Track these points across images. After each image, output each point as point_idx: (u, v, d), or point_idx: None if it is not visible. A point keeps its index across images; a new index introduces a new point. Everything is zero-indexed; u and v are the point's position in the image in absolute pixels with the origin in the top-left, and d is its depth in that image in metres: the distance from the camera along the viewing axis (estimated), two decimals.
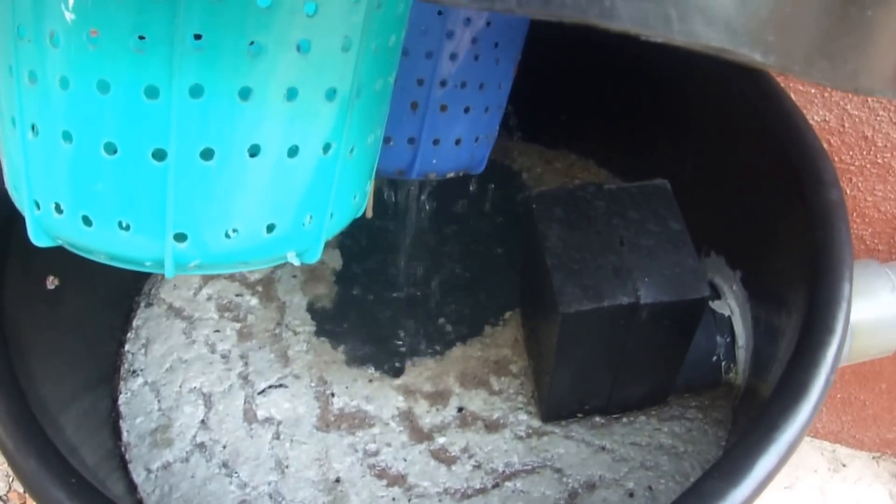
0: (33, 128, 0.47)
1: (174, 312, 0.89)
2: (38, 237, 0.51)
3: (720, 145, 0.79)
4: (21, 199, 0.51)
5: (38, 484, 0.55)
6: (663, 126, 0.88)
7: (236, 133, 0.47)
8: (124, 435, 0.81)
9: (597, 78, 0.91)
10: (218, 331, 0.89)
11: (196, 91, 0.45)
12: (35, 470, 0.55)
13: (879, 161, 1.02)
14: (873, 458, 1.54)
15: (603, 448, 0.81)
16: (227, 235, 0.49)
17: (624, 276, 0.68)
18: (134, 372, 0.86)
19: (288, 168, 0.50)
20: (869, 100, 0.96)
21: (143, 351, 0.87)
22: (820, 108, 0.98)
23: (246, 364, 0.87)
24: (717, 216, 0.86)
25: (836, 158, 1.03)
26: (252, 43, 0.43)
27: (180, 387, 0.85)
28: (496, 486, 0.78)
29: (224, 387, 0.85)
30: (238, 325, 0.88)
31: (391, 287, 0.95)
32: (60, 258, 0.61)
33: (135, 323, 0.89)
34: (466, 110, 0.71)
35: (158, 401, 0.84)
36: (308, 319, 0.91)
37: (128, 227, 0.48)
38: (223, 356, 0.87)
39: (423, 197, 0.95)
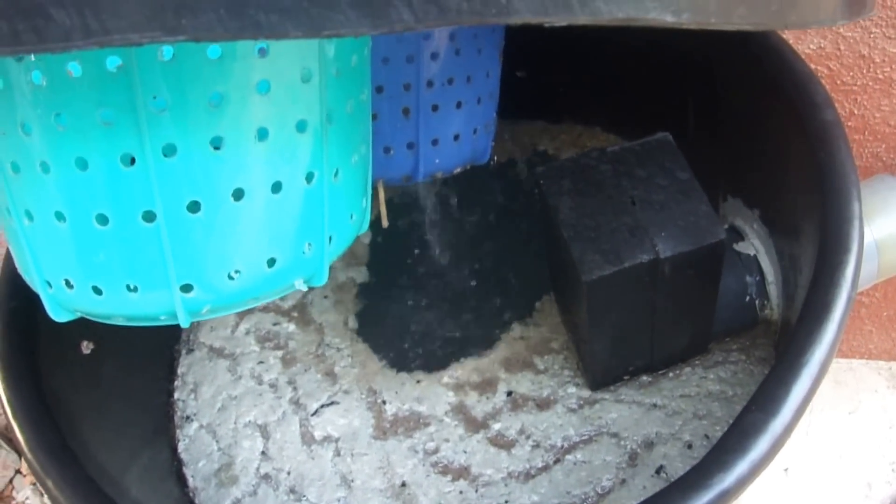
0: (28, 214, 0.50)
1: (216, 353, 0.91)
2: (57, 313, 0.54)
3: (716, 90, 0.80)
4: (33, 281, 0.53)
5: None
6: (658, 81, 0.89)
7: (217, 181, 0.49)
8: (189, 481, 0.83)
9: (585, 45, 0.92)
10: (262, 362, 0.91)
11: (169, 150, 0.46)
12: None
13: (881, 77, 1.03)
14: None
15: (654, 405, 0.82)
16: (230, 277, 0.51)
17: (640, 234, 0.69)
18: (188, 418, 0.88)
19: (275, 204, 0.51)
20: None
21: (192, 396, 0.89)
22: (815, 37, 0.99)
23: (295, 389, 0.89)
24: (727, 160, 0.87)
25: (838, 81, 1.05)
26: (212, 94, 0.45)
27: (235, 423, 0.87)
28: (557, 461, 0.80)
29: (277, 415, 0.87)
30: (280, 353, 0.90)
31: (420, 290, 0.96)
32: (90, 322, 0.63)
33: (179, 370, 0.91)
34: (458, 105, 0.72)
35: (216, 441, 0.86)
36: (347, 335, 0.92)
37: (136, 289, 0.50)
38: (271, 385, 0.89)
39: (437, 195, 0.97)
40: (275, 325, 0.91)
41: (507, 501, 0.78)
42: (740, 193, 0.86)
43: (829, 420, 1.51)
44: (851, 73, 1.04)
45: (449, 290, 0.97)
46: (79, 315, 0.54)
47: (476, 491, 0.79)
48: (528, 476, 0.79)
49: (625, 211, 0.71)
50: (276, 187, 0.51)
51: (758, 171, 0.82)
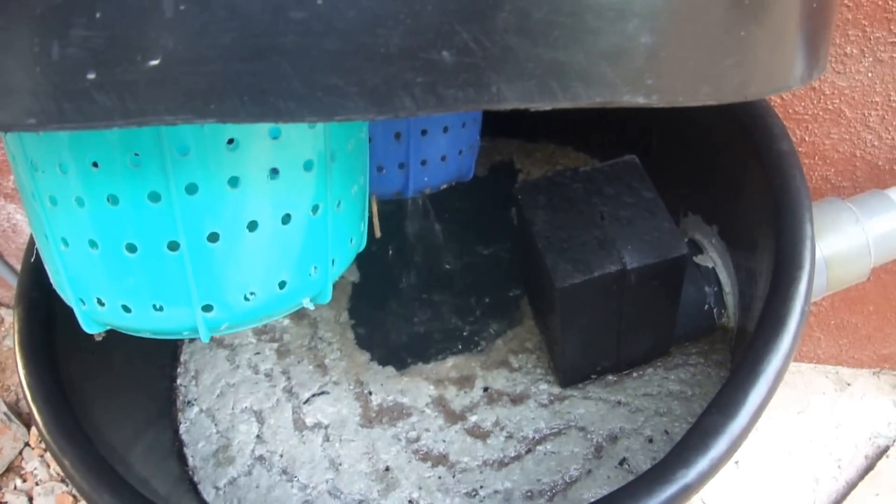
0: (64, 241, 0.52)
1: (216, 343, 0.94)
2: (89, 326, 0.57)
3: (678, 118, 0.84)
4: (68, 298, 0.56)
5: None
6: (626, 109, 0.93)
7: (234, 215, 0.52)
8: (189, 460, 0.86)
9: None
10: (258, 353, 0.94)
11: (191, 189, 0.49)
12: (105, 498, 0.60)
13: (830, 107, 1.07)
14: (873, 373, 1.60)
15: (619, 402, 0.86)
16: (246, 298, 0.55)
17: (608, 246, 0.74)
18: (189, 402, 0.91)
19: (285, 234, 0.54)
20: None
21: (193, 382, 0.93)
22: None
23: (288, 378, 0.92)
24: (688, 180, 0.90)
25: (791, 110, 1.09)
26: (230, 140, 0.49)
27: (233, 409, 0.90)
28: (529, 451, 0.83)
29: (272, 402, 0.90)
30: (276, 345, 0.93)
31: (407, 292, 0.99)
32: None
33: (182, 358, 0.95)
34: (445, 130, 0.77)
35: (215, 424, 0.89)
36: (338, 331, 0.96)
37: (161, 308, 0.53)
38: (267, 375, 0.93)
39: (424, 208, 1.00)
40: None
41: (481, 487, 0.81)
42: (700, 211, 0.90)
43: (779, 419, 1.56)
44: (803, 104, 1.07)
45: (433, 292, 1.00)
46: (108, 328, 0.58)
47: (453, 476, 0.82)
48: (501, 464, 0.83)
49: (595, 225, 0.75)
50: (286, 219, 0.54)
51: (716, 192, 0.86)
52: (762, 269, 0.71)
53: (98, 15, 0.28)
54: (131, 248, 0.51)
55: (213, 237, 0.52)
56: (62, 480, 1.66)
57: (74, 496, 1.64)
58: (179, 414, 0.91)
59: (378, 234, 0.67)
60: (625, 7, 0.32)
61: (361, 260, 0.97)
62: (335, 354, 0.94)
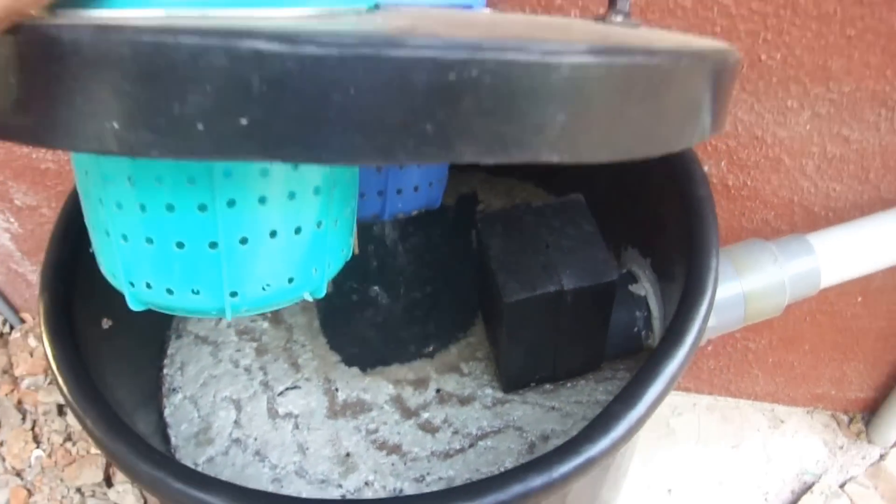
0: (124, 237, 0.61)
1: (201, 340, 1.00)
2: (135, 304, 0.66)
3: (623, 165, 0.91)
4: (119, 281, 0.65)
5: (131, 462, 0.65)
6: None
7: (260, 225, 0.61)
8: (172, 440, 0.92)
9: None
10: (239, 350, 1.00)
11: (231, 203, 0.58)
12: (125, 451, 0.66)
13: (771, 155, 1.13)
14: (807, 412, 1.64)
15: (553, 408, 0.92)
16: (263, 289, 0.64)
17: (550, 270, 0.82)
18: (174, 389, 0.97)
19: (296, 242, 0.64)
20: (755, 105, 1.06)
21: (179, 372, 0.98)
22: None
23: (265, 374, 0.98)
24: (629, 218, 0.98)
25: (735, 157, 1.14)
26: (262, 169, 0.59)
27: (214, 397, 0.96)
28: (471, 445, 0.90)
29: (249, 393, 0.96)
30: (255, 344, 1.00)
31: (375, 303, 1.04)
32: (111, 306, 0.77)
33: (169, 351, 1.00)
34: (419, 164, 0.84)
35: (197, 410, 0.95)
36: (311, 334, 1.02)
37: (198, 292, 0.62)
38: (246, 369, 0.99)
39: (396, 230, 1.07)
40: (252, 322, 1.01)
41: (428, 474, 0.87)
42: (637, 245, 0.97)
43: (713, 451, 1.58)
44: (746, 151, 1.13)
45: (398, 304, 1.04)
46: (150, 307, 0.66)
47: (405, 464, 0.88)
48: (447, 455, 0.89)
49: (540, 252, 0.84)
50: (298, 230, 0.63)
51: (649, 229, 0.93)
52: (677, 297, 0.76)
53: (208, 88, 0.39)
54: (180, 245, 0.60)
55: (244, 241, 0.61)
56: (17, 474, 1.67)
57: (29, 490, 1.64)
58: (165, 399, 0.96)
59: (356, 251, 0.76)
60: (547, 98, 0.43)
61: (336, 276, 1.03)
62: (307, 355, 1.00)
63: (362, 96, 0.40)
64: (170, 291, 0.63)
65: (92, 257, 0.69)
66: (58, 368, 0.73)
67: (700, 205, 0.80)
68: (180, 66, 0.39)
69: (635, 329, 0.93)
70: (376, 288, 1.07)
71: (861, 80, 1.02)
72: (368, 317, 1.04)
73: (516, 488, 0.60)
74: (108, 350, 0.84)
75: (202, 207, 0.59)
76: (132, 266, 0.63)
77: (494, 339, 0.95)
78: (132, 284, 0.64)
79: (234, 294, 0.63)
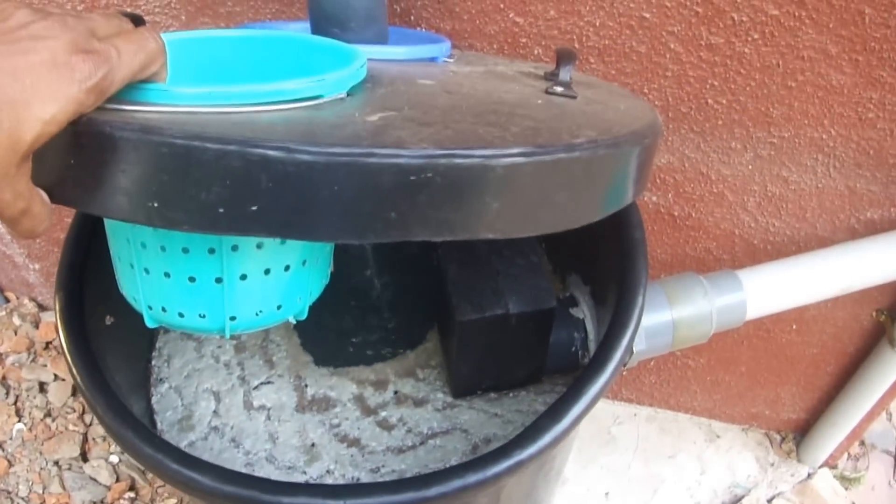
0: (146, 270, 0.71)
1: (186, 336, 1.07)
2: (151, 323, 0.75)
3: None
4: (138, 305, 0.74)
5: (136, 445, 0.72)
6: None
7: (257, 265, 0.71)
8: (158, 424, 0.98)
9: None
10: (220, 346, 1.07)
11: (234, 248, 0.68)
12: (129, 436, 0.72)
13: (715, 191, 1.20)
14: (742, 429, 1.72)
15: (496, 414, 0.99)
16: (256, 314, 0.74)
17: (499, 295, 0.90)
18: (161, 380, 1.03)
19: (285, 277, 0.73)
20: (701, 144, 1.13)
21: (166, 364, 1.05)
22: (664, 154, 1.16)
23: (242, 369, 1.05)
24: (574, 249, 1.04)
25: (681, 189, 1.21)
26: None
27: (196, 388, 1.02)
28: (422, 443, 0.96)
29: (228, 386, 1.03)
30: (234, 342, 1.07)
31: (345, 311, 1.12)
32: (112, 305, 0.84)
33: (158, 345, 1.07)
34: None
35: (181, 399, 1.01)
36: (285, 336, 1.09)
37: (204, 316, 0.72)
38: (226, 364, 1.05)
39: (368, 254, 1.14)
40: None
41: (383, 466, 0.93)
42: (580, 273, 1.04)
43: (650, 460, 1.66)
44: (692, 185, 1.20)
45: (365, 315, 1.12)
46: (163, 325, 0.75)
47: (363, 456, 0.94)
48: (400, 451, 0.95)
49: (491, 278, 0.92)
50: (287, 268, 0.73)
51: (590, 260, 1.00)
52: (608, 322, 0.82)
53: (227, 182, 0.51)
54: (192, 279, 0.70)
55: (244, 277, 0.71)
56: None
57: (9, 461, 1.69)
58: (153, 388, 1.03)
59: (331, 269, 0.85)
60: (485, 191, 0.55)
61: None
62: (282, 354, 1.07)
63: (343, 192, 0.52)
64: (181, 315, 0.73)
65: (98, 261, 0.78)
66: (72, 359, 0.81)
67: (634, 246, 0.87)
68: (206, 166, 0.51)
69: (573, 348, 1.01)
70: (347, 301, 1.13)
71: (800, 128, 1.09)
72: (338, 324, 1.11)
73: (456, 483, 0.67)
74: (109, 343, 0.90)
75: (211, 251, 0.68)
76: (151, 293, 0.73)
77: (447, 350, 1.02)
78: (150, 308, 0.74)
79: (233, 318, 0.73)
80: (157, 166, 0.52)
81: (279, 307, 0.75)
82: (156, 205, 0.53)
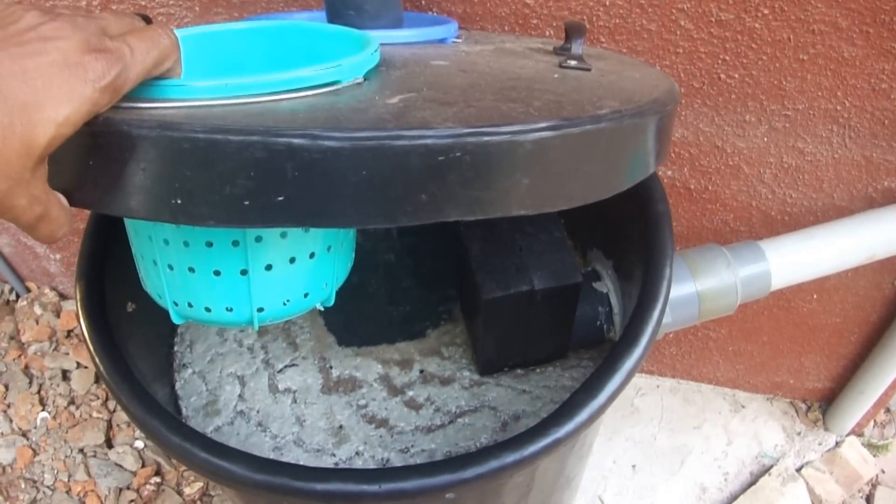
0: (170, 266, 0.70)
1: None
2: (177, 319, 0.75)
3: None
4: (164, 301, 0.74)
5: (156, 432, 0.72)
6: None
7: (282, 254, 0.70)
8: (183, 410, 0.98)
9: None
10: (243, 330, 1.07)
11: (258, 239, 0.68)
12: (155, 424, 0.72)
13: (730, 163, 1.20)
14: (767, 399, 1.72)
15: (524, 391, 0.98)
16: (283, 304, 0.73)
17: (523, 271, 0.90)
18: (184, 365, 1.03)
19: (310, 264, 0.73)
20: (715, 118, 1.13)
21: (189, 350, 1.05)
22: (679, 128, 1.16)
23: (266, 352, 1.05)
24: (596, 224, 1.04)
25: (697, 163, 1.21)
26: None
27: (220, 373, 1.02)
28: (451, 422, 0.95)
29: (252, 369, 1.02)
30: None
31: (369, 292, 1.12)
32: (132, 293, 0.83)
33: (180, 330, 1.07)
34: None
35: (205, 384, 1.01)
36: (308, 317, 1.08)
37: (231, 309, 0.71)
38: (249, 348, 1.05)
39: (393, 235, 1.13)
40: None
41: (412, 446, 0.93)
42: (602, 248, 1.04)
43: (676, 431, 1.65)
44: (707, 159, 1.20)
45: (389, 295, 1.12)
46: (189, 321, 0.74)
47: (391, 437, 0.94)
48: (429, 430, 0.95)
49: (515, 255, 0.91)
50: (312, 255, 0.72)
51: (613, 235, 1.00)
52: (635, 296, 0.83)
53: (252, 174, 0.50)
54: (217, 273, 0.69)
55: (269, 267, 0.70)
56: (23, 435, 1.73)
57: (34, 449, 1.70)
58: (176, 374, 1.02)
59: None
60: (514, 168, 0.55)
61: None
62: (305, 335, 1.07)
63: (371, 176, 0.52)
64: (208, 309, 0.72)
65: (118, 249, 0.77)
66: (94, 348, 0.81)
67: (659, 219, 0.86)
68: (229, 158, 0.50)
69: (598, 322, 1.00)
70: (370, 281, 1.13)
71: (814, 100, 1.09)
72: (362, 305, 1.11)
73: (493, 463, 0.67)
74: (131, 330, 0.90)
75: (235, 243, 0.68)
76: (176, 290, 0.73)
77: (472, 328, 1.02)
78: (176, 304, 0.74)
79: (260, 309, 0.72)
80: (178, 162, 0.51)
81: (306, 295, 0.75)
82: (179, 202, 0.52)
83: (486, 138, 0.53)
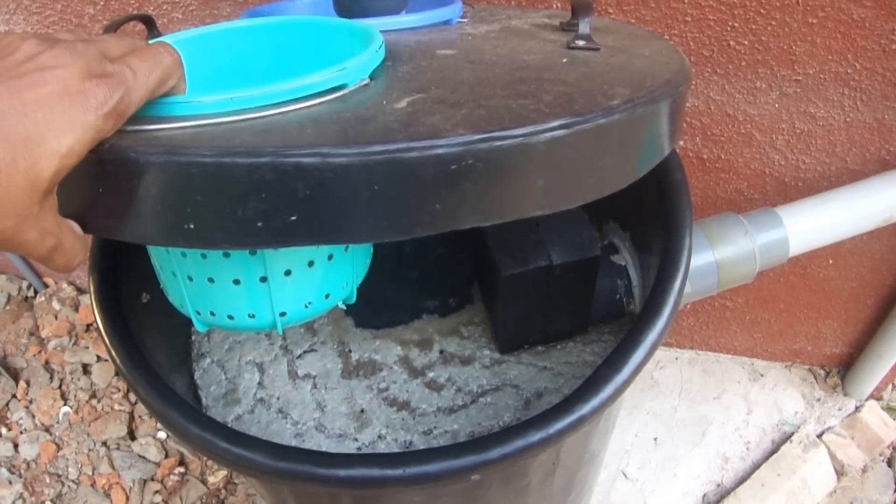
0: (189, 277, 0.70)
1: None
2: (200, 327, 0.76)
3: None
4: (186, 310, 0.74)
5: (177, 422, 0.71)
6: None
7: (300, 259, 0.70)
8: (203, 399, 0.97)
9: None
10: None
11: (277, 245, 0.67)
12: (174, 416, 0.71)
13: (742, 131, 1.21)
14: (785, 366, 1.72)
15: (545, 368, 0.98)
16: (305, 306, 0.73)
17: (541, 247, 0.89)
18: (202, 354, 1.03)
19: (329, 266, 0.73)
20: (726, 86, 1.13)
21: (206, 339, 1.04)
22: (690, 98, 1.15)
23: (284, 338, 1.04)
24: (611, 198, 0.96)
25: (709, 132, 1.21)
26: None
27: (239, 360, 1.02)
28: (473, 402, 0.95)
29: (271, 356, 1.02)
30: None
31: (387, 274, 1.11)
32: (148, 283, 0.83)
33: None
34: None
35: (224, 373, 1.00)
36: None
37: (253, 316, 0.72)
38: (267, 335, 1.05)
39: None
40: None
41: (435, 427, 0.92)
42: (619, 220, 1.03)
43: (696, 402, 1.66)
44: (719, 127, 1.20)
45: (407, 276, 1.13)
46: (212, 327, 0.75)
47: (414, 419, 0.93)
48: (451, 411, 0.94)
49: (531, 230, 0.91)
50: (330, 257, 0.72)
51: (630, 206, 0.98)
52: (654, 268, 0.82)
53: (263, 195, 0.50)
54: (236, 282, 0.70)
55: (288, 272, 0.70)
56: (46, 430, 1.74)
57: (57, 444, 1.71)
58: (194, 363, 1.02)
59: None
60: (528, 169, 0.54)
61: None
62: (323, 320, 1.06)
63: (383, 190, 0.51)
64: (230, 317, 0.73)
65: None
66: (110, 341, 0.80)
67: (676, 188, 0.85)
68: (240, 181, 0.50)
69: (617, 296, 1.00)
70: (389, 262, 1.13)
71: (824, 63, 1.09)
72: (380, 287, 1.10)
73: (518, 443, 0.66)
74: (147, 320, 0.90)
75: (252, 252, 0.68)
76: (197, 299, 0.73)
77: (491, 306, 1.02)
78: (198, 313, 0.74)
79: (283, 314, 0.73)
80: (188, 187, 0.51)
81: (327, 296, 0.75)
82: (192, 226, 0.52)
83: (498, 143, 0.53)
